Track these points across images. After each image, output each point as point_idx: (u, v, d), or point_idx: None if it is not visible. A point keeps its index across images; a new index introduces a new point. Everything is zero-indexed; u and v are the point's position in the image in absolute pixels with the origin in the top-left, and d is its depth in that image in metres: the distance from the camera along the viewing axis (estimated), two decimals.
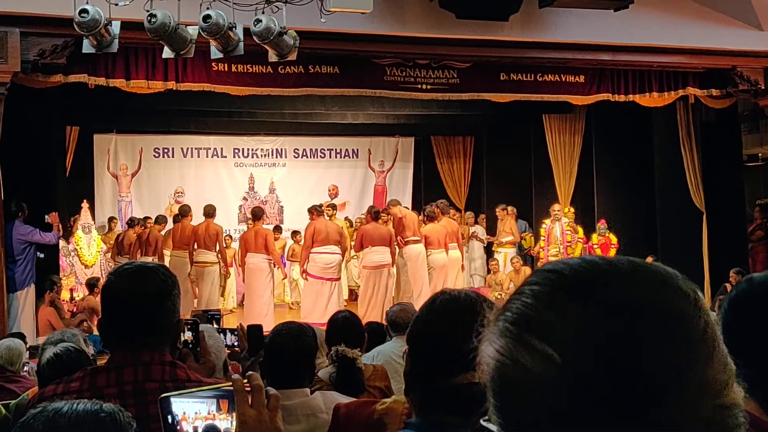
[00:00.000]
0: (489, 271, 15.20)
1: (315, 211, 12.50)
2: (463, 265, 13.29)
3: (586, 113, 14.36)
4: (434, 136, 17.52)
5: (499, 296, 14.05)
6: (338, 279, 12.50)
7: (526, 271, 14.58)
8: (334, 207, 13.83)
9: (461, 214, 15.83)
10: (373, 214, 12.57)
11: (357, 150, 17.46)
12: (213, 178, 16.65)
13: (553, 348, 0.83)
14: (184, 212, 12.96)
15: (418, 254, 12.63)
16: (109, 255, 13.63)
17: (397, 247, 12.70)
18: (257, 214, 12.51)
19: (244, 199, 16.78)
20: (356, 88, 11.25)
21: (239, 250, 12.68)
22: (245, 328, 5.19)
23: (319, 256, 12.17)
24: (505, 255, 15.12)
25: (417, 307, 11.25)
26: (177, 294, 2.39)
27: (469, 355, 1.72)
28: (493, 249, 15.41)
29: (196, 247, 12.39)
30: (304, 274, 12.47)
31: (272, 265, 12.34)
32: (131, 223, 13.88)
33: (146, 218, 13.83)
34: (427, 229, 12.86)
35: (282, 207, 16.84)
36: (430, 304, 1.90)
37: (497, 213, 15.42)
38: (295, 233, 14.85)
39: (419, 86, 11.20)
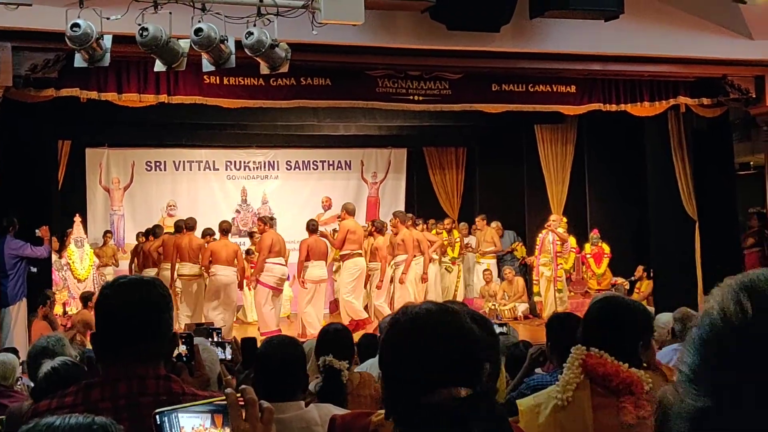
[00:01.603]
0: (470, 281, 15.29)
1: (268, 222, 12.53)
2: (424, 278, 13.20)
3: (578, 123, 14.41)
4: (427, 147, 17.54)
5: (492, 307, 14.05)
6: (281, 291, 12.63)
7: (519, 281, 14.58)
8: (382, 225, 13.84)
9: (455, 224, 15.85)
10: (311, 227, 12.55)
11: (350, 162, 17.46)
12: (205, 191, 16.63)
13: (752, 305, 0.96)
14: (178, 227, 13.02)
15: (362, 268, 12.69)
16: (112, 269, 13.81)
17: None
18: (226, 229, 12.54)
19: (237, 211, 16.77)
20: (348, 100, 11.26)
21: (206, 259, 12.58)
22: (239, 340, 5.20)
23: (276, 266, 12.26)
24: (488, 266, 15.12)
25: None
26: (172, 307, 2.39)
27: (443, 370, 1.73)
28: (475, 261, 15.41)
29: (179, 260, 12.44)
30: (254, 283, 12.50)
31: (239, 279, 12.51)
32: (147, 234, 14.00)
33: (187, 223, 13.42)
34: (384, 242, 12.88)
35: (275, 219, 16.81)
36: (394, 324, 1.85)
37: (477, 223, 15.45)
38: (248, 252, 14.65)
39: (411, 97, 11.21)
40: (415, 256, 13.09)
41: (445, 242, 14.96)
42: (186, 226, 12.72)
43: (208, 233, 12.69)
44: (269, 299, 12.27)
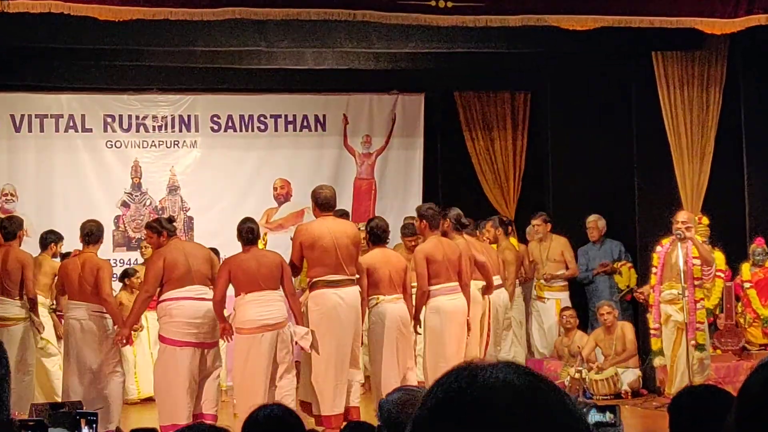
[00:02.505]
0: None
1: (164, 228, 12.27)
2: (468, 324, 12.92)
3: (729, 50, 14.39)
4: (461, 91, 17.58)
5: (578, 375, 14.02)
6: (212, 345, 12.42)
7: (625, 330, 14.55)
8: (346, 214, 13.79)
9: (511, 228, 15.87)
10: (246, 235, 12.28)
11: (323, 117, 17.49)
12: (67, 169, 16.67)
13: None
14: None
15: (335, 305, 12.33)
16: None
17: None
18: (91, 235, 12.35)
19: (125, 205, 16.78)
20: (322, 8, 11.29)
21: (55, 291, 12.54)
22: None
23: (178, 305, 11.98)
24: (557, 303, 15.13)
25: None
26: (9, 379, 2.38)
27: None
28: (535, 293, 15.44)
29: None
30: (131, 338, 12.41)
31: (109, 322, 12.32)
32: None
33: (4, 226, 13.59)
34: (368, 259, 12.65)
35: (191, 219, 16.82)
36: (445, 399, 1.81)
37: (534, 227, 15.49)
38: (125, 275, 14.78)
39: (433, 3, 11.24)
40: (449, 283, 12.84)
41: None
42: (3, 231, 12.66)
43: (90, 240, 12.50)
44: (178, 365, 12.13)
